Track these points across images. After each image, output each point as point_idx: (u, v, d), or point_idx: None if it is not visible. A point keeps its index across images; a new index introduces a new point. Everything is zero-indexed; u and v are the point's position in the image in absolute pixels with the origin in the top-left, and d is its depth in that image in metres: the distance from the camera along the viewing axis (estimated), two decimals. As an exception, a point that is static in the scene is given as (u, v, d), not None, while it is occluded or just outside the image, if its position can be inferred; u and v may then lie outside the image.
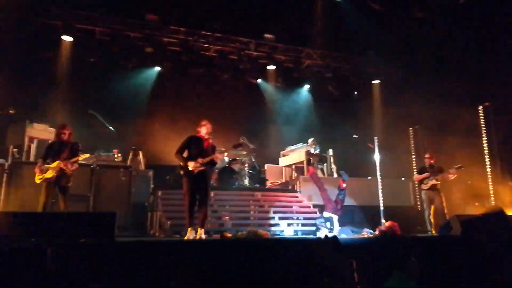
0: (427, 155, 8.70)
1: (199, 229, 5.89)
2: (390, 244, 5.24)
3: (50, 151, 6.21)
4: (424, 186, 8.40)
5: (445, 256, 5.29)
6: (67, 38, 10.01)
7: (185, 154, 6.10)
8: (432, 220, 8.14)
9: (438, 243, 5.82)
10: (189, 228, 5.85)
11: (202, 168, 5.89)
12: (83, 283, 3.82)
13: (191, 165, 5.85)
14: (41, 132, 8.59)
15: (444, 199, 8.43)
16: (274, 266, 4.25)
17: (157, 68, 11.38)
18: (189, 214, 5.92)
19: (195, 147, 6.00)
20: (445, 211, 8.20)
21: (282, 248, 4.69)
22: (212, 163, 6.15)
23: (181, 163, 5.98)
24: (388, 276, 4.14)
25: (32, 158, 8.38)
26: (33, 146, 8.49)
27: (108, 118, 8.62)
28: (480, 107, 10.78)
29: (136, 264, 4.23)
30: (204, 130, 6.12)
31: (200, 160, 5.86)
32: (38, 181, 6.03)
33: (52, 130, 8.79)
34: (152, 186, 8.43)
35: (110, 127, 8.37)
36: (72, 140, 6.39)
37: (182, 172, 5.99)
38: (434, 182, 8.31)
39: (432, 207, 8.24)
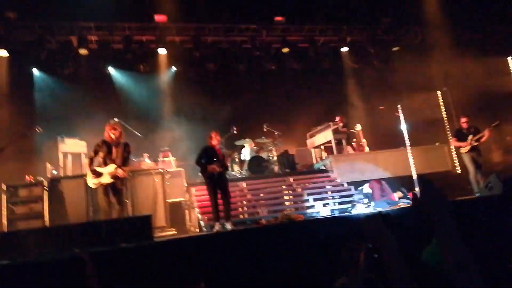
0: (463, 119, 8.24)
1: (227, 224, 6.54)
2: (427, 212, 5.11)
3: (100, 151, 5.78)
4: (463, 150, 8.07)
5: (486, 216, 5.11)
6: (83, 52, 10.25)
7: None
8: (478, 181, 7.84)
9: (478, 204, 5.62)
10: (217, 223, 6.59)
11: (220, 170, 6.71)
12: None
13: (210, 170, 6.69)
14: (73, 146, 8.89)
15: (483, 159, 8.13)
16: (310, 247, 4.24)
17: (173, 68, 11.50)
18: (215, 209, 6.71)
19: (210, 154, 6.83)
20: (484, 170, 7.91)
21: (315, 228, 4.67)
22: (226, 166, 7.06)
23: (202, 170, 6.82)
24: (427, 244, 4.06)
25: (69, 173, 8.74)
26: (68, 161, 8.84)
27: (134, 124, 8.80)
28: (509, 58, 10.26)
29: (176, 260, 4.34)
30: (214, 141, 6.91)
31: (215, 164, 6.70)
32: (93, 186, 5.75)
33: (83, 143, 9.13)
34: (185, 184, 8.59)
35: (137, 133, 8.54)
36: (122, 140, 5.97)
37: (204, 177, 6.87)
38: (473, 143, 8.00)
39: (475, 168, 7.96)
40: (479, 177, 7.86)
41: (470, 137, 7.95)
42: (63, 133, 8.89)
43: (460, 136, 8.12)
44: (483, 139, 7.90)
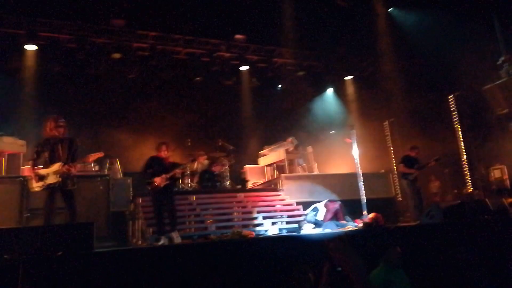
0: (414, 150, 8.75)
1: (172, 233, 6.38)
2: (374, 235, 5.27)
3: (43, 151, 5.35)
4: (410, 177, 8.51)
5: (428, 243, 5.35)
6: (30, 47, 9.65)
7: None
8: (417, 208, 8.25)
9: (420, 231, 5.87)
10: (162, 236, 6.40)
11: (167, 182, 6.53)
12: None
13: (157, 181, 6.46)
14: (10, 145, 8.23)
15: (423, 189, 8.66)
16: (260, 265, 4.18)
17: (128, 75, 11.14)
18: (160, 223, 6.55)
19: (157, 165, 6.63)
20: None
21: (267, 247, 4.62)
22: (175, 178, 6.87)
23: (148, 180, 6.57)
24: (374, 267, 4.15)
25: (3, 173, 8.05)
26: (4, 160, 8.17)
27: (81, 127, 8.37)
28: (451, 96, 11.03)
29: (117, 274, 4.08)
30: (163, 152, 6.74)
31: (164, 175, 6.49)
32: (37, 189, 5.29)
33: (22, 142, 8.49)
34: (131, 194, 8.23)
35: (82, 137, 8.11)
36: (67, 135, 5.55)
37: (149, 188, 6.62)
38: (417, 173, 8.51)
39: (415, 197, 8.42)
40: (419, 205, 8.31)
41: (417, 166, 8.45)
42: (0, 131, 8.24)
43: (409, 163, 8.56)
44: (429, 165, 8.43)
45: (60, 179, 5.31)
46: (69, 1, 9.50)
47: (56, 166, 5.30)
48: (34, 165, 5.37)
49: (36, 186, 5.31)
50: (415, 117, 11.31)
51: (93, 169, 8.13)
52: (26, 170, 8.20)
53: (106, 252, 5.06)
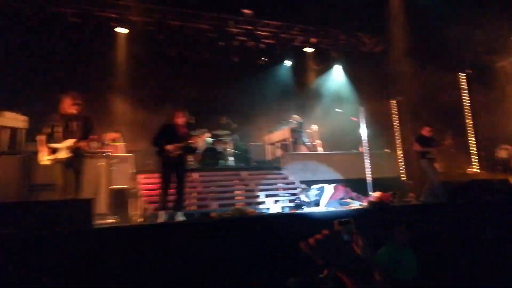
0: (428, 128, 8.43)
1: (177, 213, 6.08)
2: (379, 215, 5.19)
3: (58, 126, 5.32)
4: (428, 155, 8.29)
5: (433, 222, 5.26)
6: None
7: None
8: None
9: (425, 210, 5.78)
10: (163, 211, 6.05)
11: (179, 152, 6.05)
12: (60, 273, 3.62)
13: (169, 149, 6.00)
14: (12, 120, 8.17)
15: None
16: (262, 243, 4.11)
17: (132, 49, 10.95)
18: (164, 198, 6.11)
19: (170, 134, 6.16)
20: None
21: (268, 224, 4.55)
22: (189, 149, 6.31)
23: (159, 149, 6.10)
24: (379, 246, 4.07)
25: (4, 149, 8.02)
26: (4, 136, 8.13)
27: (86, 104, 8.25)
28: (462, 74, 10.73)
29: (116, 251, 4.05)
30: (180, 119, 6.31)
31: (177, 144, 6.01)
32: (46, 162, 5.26)
33: (24, 118, 8.43)
34: (132, 171, 8.18)
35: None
36: (83, 113, 5.51)
37: (160, 159, 6.14)
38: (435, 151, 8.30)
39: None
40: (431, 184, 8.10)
41: (434, 143, 8.22)
42: (1, 106, 8.17)
43: (425, 142, 8.29)
44: (447, 143, 8.20)
45: (71, 155, 5.30)
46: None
47: (69, 142, 5.31)
48: (47, 139, 5.34)
49: (46, 159, 5.30)
50: (423, 96, 11.05)
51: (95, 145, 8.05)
52: (29, 145, 8.19)
53: (105, 228, 5.05)
